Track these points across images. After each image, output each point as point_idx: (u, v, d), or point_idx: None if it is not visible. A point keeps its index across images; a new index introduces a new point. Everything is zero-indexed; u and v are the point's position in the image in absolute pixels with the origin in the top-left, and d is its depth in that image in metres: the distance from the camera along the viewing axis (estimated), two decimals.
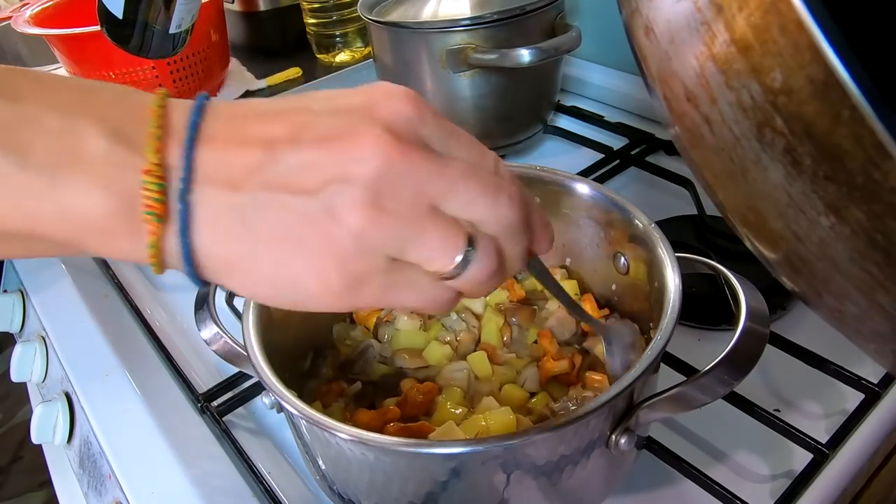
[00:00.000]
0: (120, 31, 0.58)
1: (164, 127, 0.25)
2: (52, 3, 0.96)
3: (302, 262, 0.25)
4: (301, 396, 0.35)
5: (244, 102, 0.28)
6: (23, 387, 0.74)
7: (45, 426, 0.59)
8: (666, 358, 0.48)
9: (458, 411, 0.43)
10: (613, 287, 0.48)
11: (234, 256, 0.26)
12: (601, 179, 0.72)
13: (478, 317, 0.50)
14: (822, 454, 0.43)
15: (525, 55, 0.64)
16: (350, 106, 0.26)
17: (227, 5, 1.04)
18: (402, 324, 0.49)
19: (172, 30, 0.59)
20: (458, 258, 0.26)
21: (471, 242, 0.26)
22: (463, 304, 0.50)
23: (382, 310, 0.49)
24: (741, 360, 0.35)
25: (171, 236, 0.26)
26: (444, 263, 0.26)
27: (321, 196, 0.25)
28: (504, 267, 0.28)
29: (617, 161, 0.75)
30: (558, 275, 0.51)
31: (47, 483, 0.71)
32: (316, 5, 1.00)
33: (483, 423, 0.41)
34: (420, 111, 0.26)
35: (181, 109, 0.26)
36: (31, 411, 0.60)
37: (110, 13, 0.57)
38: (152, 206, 0.25)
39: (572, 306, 0.40)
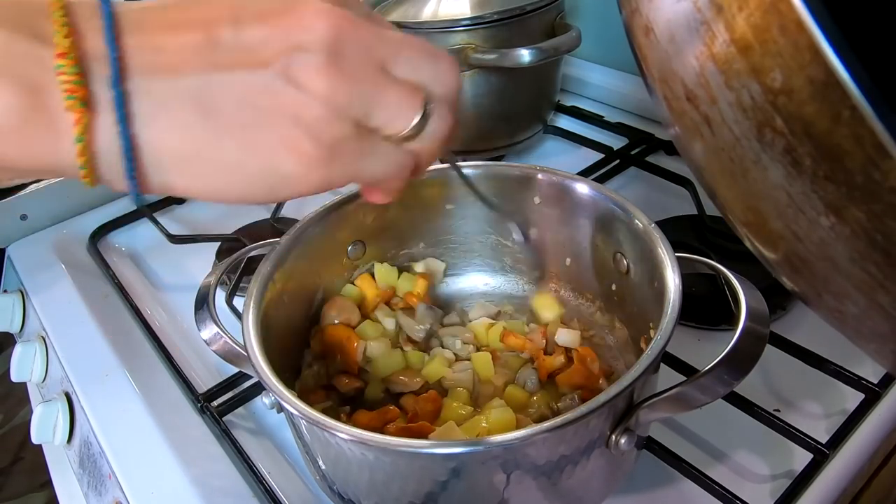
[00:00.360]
0: None
1: (72, 16, 0.23)
2: None
3: (270, 137, 0.24)
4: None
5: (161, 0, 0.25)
6: (23, 387, 0.74)
7: (45, 426, 0.59)
8: (666, 358, 0.48)
9: (464, 412, 0.43)
10: (613, 287, 0.48)
11: (191, 147, 0.24)
12: (601, 179, 0.72)
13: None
14: (822, 454, 0.43)
15: (525, 55, 0.64)
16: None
17: None
18: (372, 350, 0.48)
19: None
20: (417, 117, 0.26)
21: (427, 102, 0.27)
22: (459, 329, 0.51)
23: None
24: (741, 361, 0.35)
25: (105, 129, 0.23)
26: (404, 123, 0.26)
27: (278, 66, 0.24)
28: (455, 126, 0.28)
29: (617, 161, 0.75)
30: (551, 300, 0.52)
31: (48, 484, 0.71)
32: None
33: (483, 423, 0.41)
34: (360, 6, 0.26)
35: (83, 1, 0.24)
36: (31, 412, 0.60)
37: None
38: (73, 90, 0.22)
39: (483, 198, 0.44)
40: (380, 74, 0.25)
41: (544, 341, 0.48)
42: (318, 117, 0.24)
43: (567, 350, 0.48)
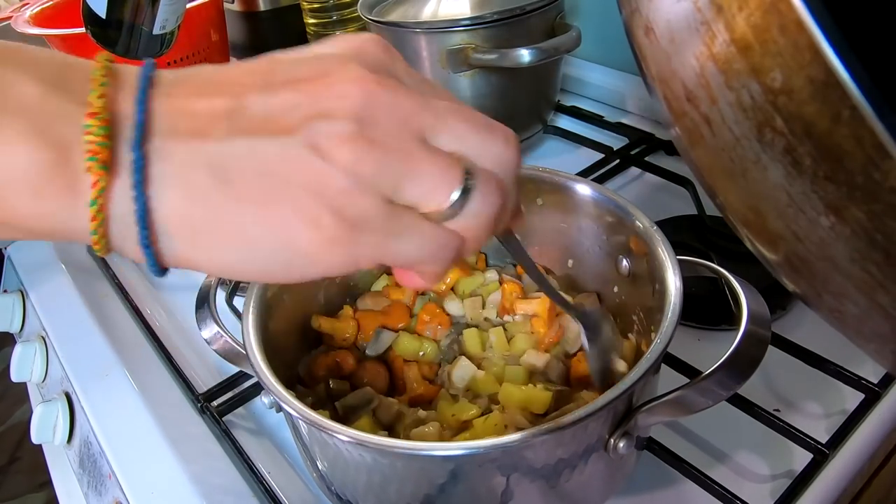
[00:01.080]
0: (105, 32, 0.58)
1: (111, 78, 0.23)
2: (52, 3, 0.96)
3: (288, 209, 0.22)
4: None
5: (202, 67, 0.25)
6: (19, 387, 0.74)
7: (45, 426, 0.59)
8: (666, 358, 0.48)
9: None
10: (615, 289, 0.48)
11: (205, 216, 0.22)
12: (601, 179, 0.72)
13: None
14: (822, 454, 0.43)
15: (525, 55, 0.64)
16: (319, 53, 0.24)
17: (227, 5, 1.04)
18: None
19: (156, 31, 0.59)
20: (456, 193, 0.23)
21: (469, 176, 0.24)
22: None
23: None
24: (742, 364, 0.35)
25: (121, 194, 0.22)
26: (441, 199, 0.23)
27: (303, 133, 0.22)
28: (506, 206, 0.25)
29: (617, 161, 0.75)
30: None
31: (47, 484, 0.71)
32: (316, 5, 1.00)
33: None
34: (391, 54, 0.25)
35: (130, 68, 0.24)
36: (28, 411, 0.60)
37: (94, 13, 0.57)
38: (96, 152, 0.21)
39: (548, 288, 0.38)
40: (416, 145, 0.23)
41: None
42: (341, 190, 0.22)
43: None
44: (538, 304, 0.48)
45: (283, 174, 0.22)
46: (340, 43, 0.25)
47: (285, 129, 0.22)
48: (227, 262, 0.23)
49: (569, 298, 0.43)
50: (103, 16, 0.56)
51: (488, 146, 0.24)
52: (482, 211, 0.24)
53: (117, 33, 0.58)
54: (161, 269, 0.24)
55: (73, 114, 0.21)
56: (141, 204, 0.22)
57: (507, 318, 0.50)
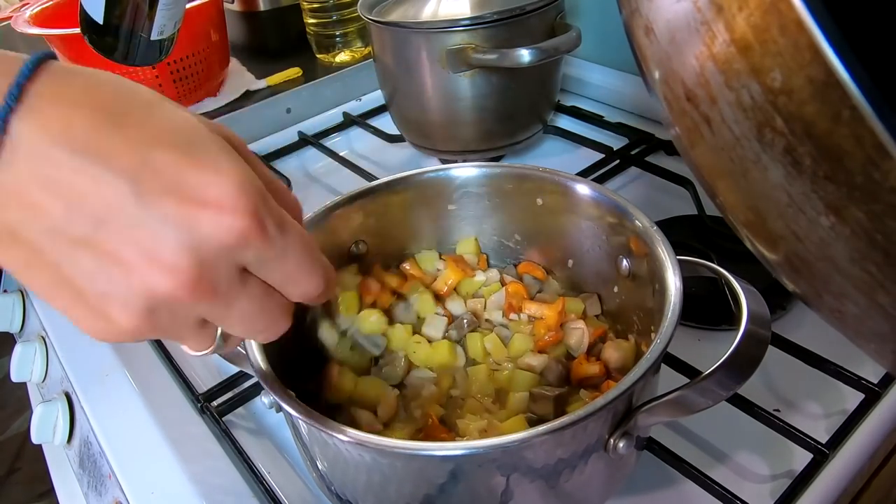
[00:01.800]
0: (102, 38, 0.58)
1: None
2: (52, 3, 0.96)
3: (81, 313, 0.27)
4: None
5: (83, 104, 0.25)
6: (18, 396, 0.74)
7: (45, 426, 0.59)
8: (666, 358, 0.48)
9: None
10: (615, 289, 0.48)
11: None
12: (601, 179, 0.72)
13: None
14: (822, 454, 0.43)
15: (525, 55, 0.64)
16: (177, 207, 0.25)
17: (227, 5, 1.04)
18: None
19: (154, 37, 0.58)
20: (209, 347, 0.31)
21: (224, 337, 0.31)
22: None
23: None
24: (742, 364, 0.35)
25: None
26: (201, 349, 0.31)
27: (98, 296, 0.26)
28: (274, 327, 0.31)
29: (617, 161, 0.75)
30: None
31: (46, 494, 0.71)
32: (316, 5, 1.00)
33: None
34: (245, 236, 0.26)
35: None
36: (27, 422, 0.60)
37: (92, 19, 0.57)
38: None
39: None
40: (188, 327, 0.29)
41: (585, 343, 0.47)
42: (120, 330, 0.27)
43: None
44: (548, 308, 0.48)
45: (77, 299, 0.27)
46: (212, 194, 0.26)
47: (89, 279, 0.26)
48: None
49: None
50: (101, 22, 0.56)
51: (253, 333, 0.32)
52: (234, 345, 0.33)
53: (115, 40, 0.58)
54: None
55: None
56: None
57: (513, 316, 0.50)
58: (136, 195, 0.25)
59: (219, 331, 0.31)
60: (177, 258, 0.25)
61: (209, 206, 0.25)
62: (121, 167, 0.24)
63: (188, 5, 0.87)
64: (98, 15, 0.56)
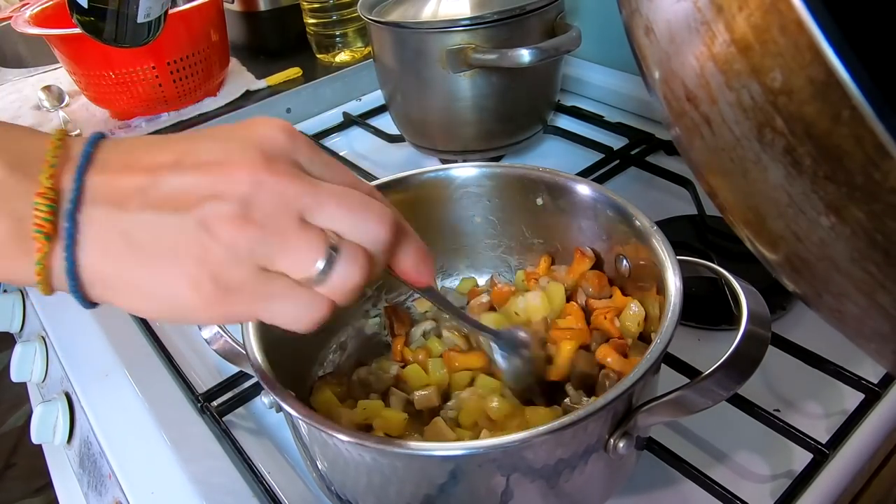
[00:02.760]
0: (90, 20, 0.58)
1: (61, 157, 0.28)
2: (52, 3, 0.96)
3: (176, 273, 0.27)
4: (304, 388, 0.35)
5: (139, 137, 0.30)
6: (14, 392, 0.74)
7: (45, 426, 0.59)
8: (665, 358, 0.48)
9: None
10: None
11: (115, 272, 0.28)
12: (601, 179, 0.72)
13: None
14: (822, 454, 0.43)
15: (525, 55, 0.64)
16: (230, 136, 0.29)
17: (227, 5, 1.04)
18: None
19: (141, 19, 0.59)
20: (320, 262, 0.28)
21: (334, 249, 0.28)
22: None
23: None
24: (742, 364, 0.35)
25: (58, 254, 0.27)
26: (307, 267, 0.28)
27: (196, 212, 0.27)
28: (370, 273, 0.30)
29: (617, 161, 0.75)
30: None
31: (43, 489, 0.71)
32: (316, 5, 1.00)
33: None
34: (294, 141, 0.29)
35: (77, 143, 0.29)
36: (24, 417, 0.60)
37: (76, 2, 0.57)
38: (41, 226, 0.27)
39: (462, 318, 0.42)
40: (289, 223, 0.28)
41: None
42: (219, 261, 0.27)
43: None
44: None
45: (175, 243, 0.27)
46: (252, 125, 0.30)
47: (184, 206, 0.27)
48: (133, 306, 0.29)
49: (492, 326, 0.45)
50: (85, 5, 0.57)
51: (359, 224, 0.29)
52: (346, 277, 0.29)
53: (102, 21, 0.58)
54: (89, 304, 0.29)
55: (27, 192, 0.27)
56: (70, 263, 0.27)
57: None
58: (175, 167, 0.28)
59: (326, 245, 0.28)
60: (245, 155, 0.28)
61: (258, 126, 0.29)
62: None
63: (188, 5, 0.87)
64: None
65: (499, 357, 0.43)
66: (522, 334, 0.44)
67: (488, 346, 0.44)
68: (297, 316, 0.29)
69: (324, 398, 0.44)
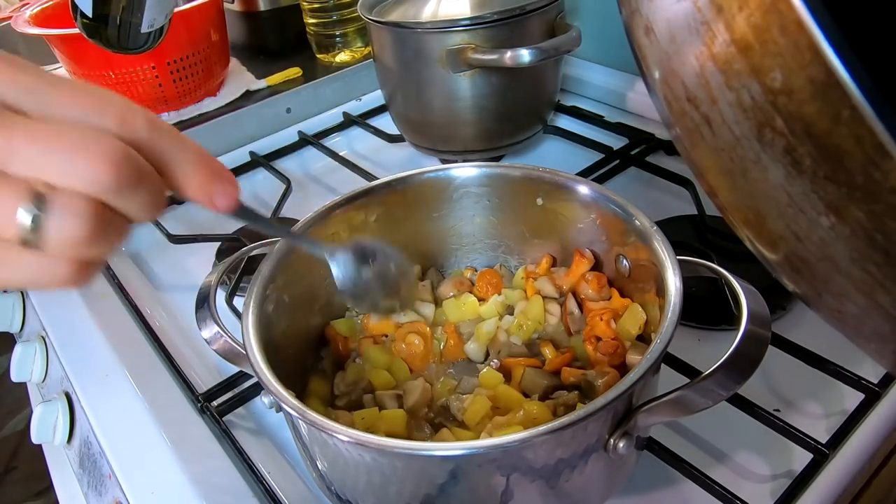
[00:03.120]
0: (94, 27, 0.59)
1: None
2: (52, 3, 0.96)
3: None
4: (301, 393, 0.35)
5: None
6: (14, 396, 0.74)
7: (45, 426, 0.59)
8: (665, 358, 0.48)
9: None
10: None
11: None
12: (601, 179, 0.72)
13: None
14: (822, 454, 0.43)
15: (525, 55, 0.64)
16: None
17: (227, 5, 1.04)
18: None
19: (144, 28, 0.59)
20: (25, 218, 0.24)
21: (39, 199, 0.24)
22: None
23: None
24: (742, 364, 0.35)
25: None
26: (9, 225, 0.24)
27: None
28: (105, 224, 0.25)
29: (617, 161, 0.75)
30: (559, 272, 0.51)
31: (44, 493, 0.70)
32: (316, 5, 1.00)
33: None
34: (13, 72, 0.25)
35: None
36: (24, 421, 0.60)
37: (80, 8, 0.57)
38: None
39: (294, 237, 0.43)
40: None
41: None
42: None
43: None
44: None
45: None
46: None
47: None
48: None
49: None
50: (90, 14, 0.57)
51: (67, 167, 0.24)
52: (63, 230, 0.24)
53: (105, 27, 0.58)
54: None
55: None
56: None
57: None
58: None
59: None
60: None
61: None
62: None
63: (188, 5, 0.87)
64: (87, 8, 0.57)
65: (336, 274, 0.41)
66: (368, 246, 0.43)
67: (328, 265, 0.42)
68: (31, 281, 0.25)
69: (313, 404, 0.44)
